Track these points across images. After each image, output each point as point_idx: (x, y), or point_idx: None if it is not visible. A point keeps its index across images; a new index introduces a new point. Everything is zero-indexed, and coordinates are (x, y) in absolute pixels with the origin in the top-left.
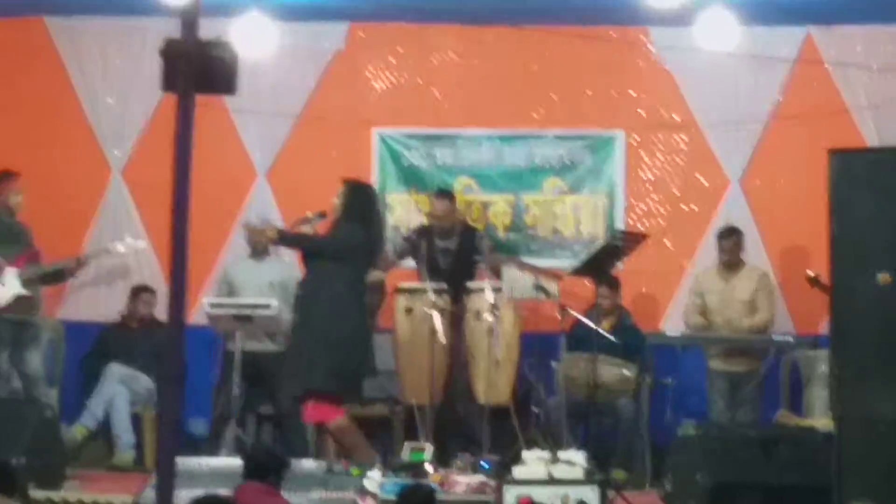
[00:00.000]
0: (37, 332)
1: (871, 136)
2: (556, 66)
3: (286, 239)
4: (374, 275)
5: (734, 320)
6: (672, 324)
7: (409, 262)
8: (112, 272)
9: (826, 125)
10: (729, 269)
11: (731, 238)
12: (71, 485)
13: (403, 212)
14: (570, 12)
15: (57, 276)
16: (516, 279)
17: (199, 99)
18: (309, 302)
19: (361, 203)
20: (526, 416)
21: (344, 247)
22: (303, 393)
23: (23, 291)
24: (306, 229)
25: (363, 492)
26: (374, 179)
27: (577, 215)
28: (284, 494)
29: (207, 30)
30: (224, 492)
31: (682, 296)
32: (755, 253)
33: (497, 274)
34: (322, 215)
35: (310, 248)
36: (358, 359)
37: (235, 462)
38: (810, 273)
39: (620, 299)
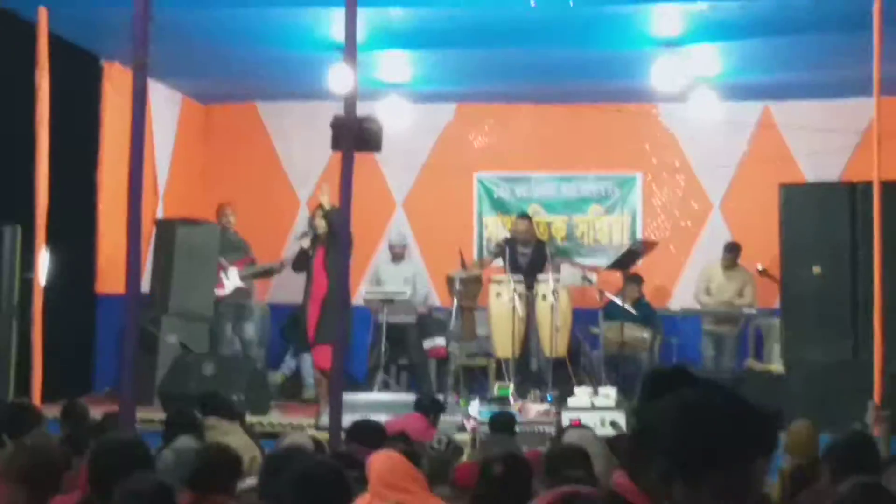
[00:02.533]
0: (251, 311)
1: (810, 175)
2: (596, 130)
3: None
4: (474, 270)
5: (726, 301)
6: (675, 302)
7: (499, 262)
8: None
9: (778, 168)
10: (728, 268)
11: (734, 250)
12: (273, 412)
13: (494, 229)
14: (605, 94)
15: (265, 274)
16: (569, 273)
17: (357, 155)
18: None
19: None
20: (577, 365)
21: None
22: None
23: (241, 284)
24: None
25: (468, 416)
26: (474, 208)
27: (610, 230)
28: None
29: (362, 108)
30: (375, 417)
31: (682, 283)
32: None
33: (557, 269)
34: (305, 233)
35: None
36: None
37: (383, 397)
38: (759, 267)
39: (640, 286)
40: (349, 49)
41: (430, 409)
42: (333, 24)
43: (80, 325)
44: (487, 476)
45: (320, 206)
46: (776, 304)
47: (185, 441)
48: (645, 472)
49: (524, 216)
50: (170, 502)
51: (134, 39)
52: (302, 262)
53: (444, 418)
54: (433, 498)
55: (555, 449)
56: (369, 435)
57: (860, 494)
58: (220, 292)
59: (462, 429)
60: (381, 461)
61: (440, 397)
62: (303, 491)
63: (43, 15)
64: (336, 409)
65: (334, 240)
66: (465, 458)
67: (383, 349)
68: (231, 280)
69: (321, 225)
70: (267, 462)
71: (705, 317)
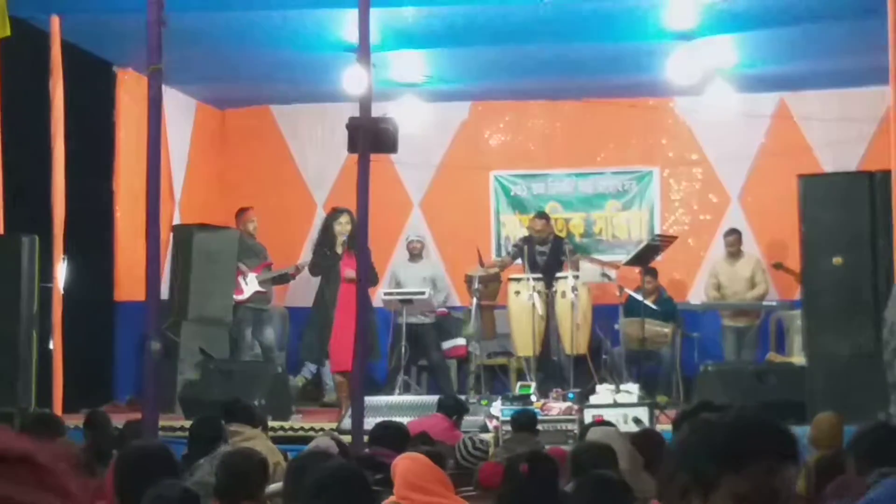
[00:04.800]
0: (270, 315)
1: (828, 166)
2: (612, 126)
3: None
4: (493, 270)
5: (739, 292)
6: (695, 296)
7: (518, 261)
8: None
9: (796, 158)
10: (733, 257)
11: (732, 236)
12: (295, 417)
13: (511, 227)
14: (621, 89)
15: (283, 279)
16: (588, 269)
17: (373, 156)
18: None
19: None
20: (598, 362)
21: None
22: None
23: (259, 289)
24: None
25: (490, 415)
26: (491, 207)
27: (628, 225)
28: None
29: (377, 109)
30: (397, 419)
31: (701, 277)
32: (749, 247)
33: (576, 266)
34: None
35: None
36: None
37: (404, 399)
38: (774, 262)
39: (657, 282)
40: (363, 50)
41: (453, 409)
42: (346, 25)
43: (99, 333)
44: (513, 475)
45: (339, 210)
46: (797, 296)
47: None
48: (672, 494)
49: (541, 215)
50: None
51: (147, 46)
52: (325, 267)
53: (467, 418)
54: (458, 499)
55: (580, 447)
56: (392, 437)
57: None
58: (238, 297)
59: (484, 428)
60: (405, 463)
61: (463, 398)
62: (325, 495)
63: (55, 23)
64: (358, 412)
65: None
66: (488, 457)
67: (403, 350)
68: (250, 285)
69: (348, 230)
70: (291, 466)
71: (723, 310)
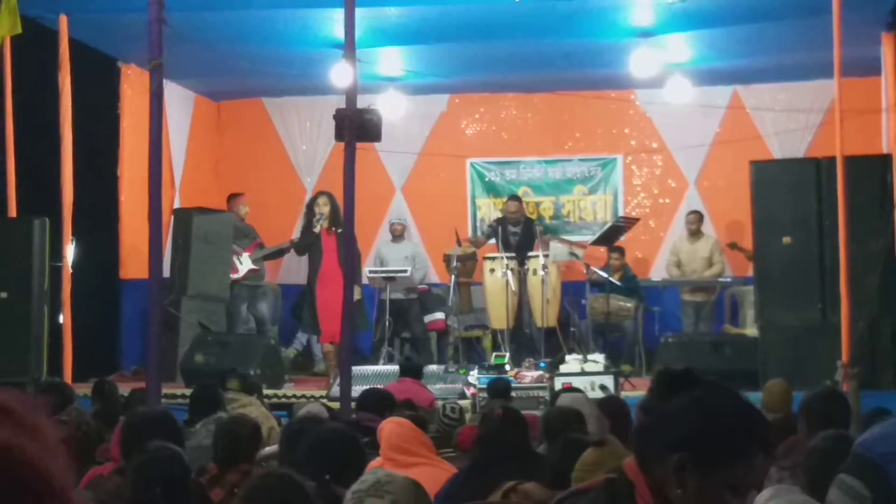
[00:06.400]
0: (264, 291)
1: (777, 153)
2: (579, 116)
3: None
4: (468, 248)
5: (698, 270)
6: (656, 273)
7: (492, 241)
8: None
9: (747, 146)
10: (693, 237)
11: (693, 215)
12: (287, 385)
13: (486, 210)
14: (587, 83)
15: (275, 255)
16: (558, 249)
17: (358, 144)
18: None
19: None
20: (566, 334)
21: None
22: None
23: (253, 267)
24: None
25: (467, 384)
26: (467, 191)
27: (594, 208)
28: None
29: (363, 102)
30: (381, 386)
31: (662, 256)
32: (706, 228)
33: (546, 246)
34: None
35: None
36: None
37: (388, 368)
38: (729, 242)
39: (624, 259)
40: (349, 46)
41: (417, 372)
42: (334, 23)
43: (105, 308)
44: (488, 420)
45: (319, 193)
46: (749, 273)
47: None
48: (654, 464)
49: (514, 197)
50: (182, 469)
51: (149, 42)
52: (308, 245)
53: (447, 386)
54: (439, 460)
55: (551, 412)
56: (378, 403)
57: (831, 445)
58: (234, 276)
59: (463, 395)
60: (390, 427)
61: (443, 367)
62: (319, 455)
63: (63, 22)
64: (346, 380)
65: (337, 223)
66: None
67: (387, 324)
68: (244, 264)
69: (325, 211)
70: (286, 430)
71: (683, 286)
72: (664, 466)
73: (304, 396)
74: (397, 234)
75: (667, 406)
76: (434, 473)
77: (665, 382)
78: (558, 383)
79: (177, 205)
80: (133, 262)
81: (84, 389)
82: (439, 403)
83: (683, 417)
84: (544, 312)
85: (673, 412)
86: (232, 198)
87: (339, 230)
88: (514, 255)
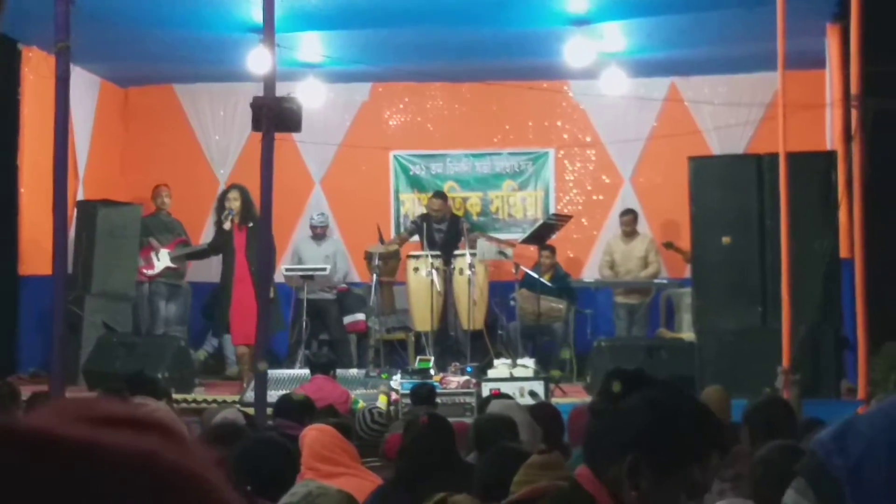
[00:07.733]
0: (179, 290)
1: (717, 148)
2: (509, 108)
3: None
4: (392, 247)
5: (633, 270)
6: (588, 274)
7: (415, 239)
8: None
9: (685, 141)
10: (628, 237)
11: (628, 216)
12: (198, 389)
13: (410, 205)
14: (518, 72)
15: (194, 256)
16: (485, 247)
17: (276, 135)
18: None
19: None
20: (494, 337)
21: None
22: None
23: (171, 265)
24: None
25: (389, 389)
26: (391, 186)
27: (524, 205)
28: None
29: (281, 90)
30: (298, 390)
31: (595, 256)
32: (641, 227)
33: (473, 244)
34: (227, 215)
35: None
36: None
37: (306, 372)
38: (665, 242)
39: (555, 258)
40: (267, 30)
41: (328, 366)
42: (251, 5)
43: (2, 306)
44: (412, 428)
45: (230, 186)
46: (686, 274)
47: None
48: (607, 467)
49: (438, 194)
50: None
51: (55, 23)
52: (221, 243)
53: (368, 391)
54: (364, 470)
55: (482, 419)
56: (296, 409)
57: (779, 456)
58: (150, 272)
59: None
60: (313, 435)
61: (363, 371)
62: (249, 465)
63: None
64: (261, 385)
65: (250, 218)
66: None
67: (304, 325)
68: (161, 261)
69: (236, 206)
70: (206, 439)
71: (616, 288)
72: (617, 468)
73: (215, 401)
74: (318, 234)
75: (618, 407)
76: (359, 484)
77: (616, 383)
78: (486, 389)
79: (80, 197)
80: (33, 258)
81: None
82: (361, 405)
83: (636, 418)
84: (471, 314)
85: (625, 413)
86: (156, 189)
87: (251, 225)
88: (439, 253)
